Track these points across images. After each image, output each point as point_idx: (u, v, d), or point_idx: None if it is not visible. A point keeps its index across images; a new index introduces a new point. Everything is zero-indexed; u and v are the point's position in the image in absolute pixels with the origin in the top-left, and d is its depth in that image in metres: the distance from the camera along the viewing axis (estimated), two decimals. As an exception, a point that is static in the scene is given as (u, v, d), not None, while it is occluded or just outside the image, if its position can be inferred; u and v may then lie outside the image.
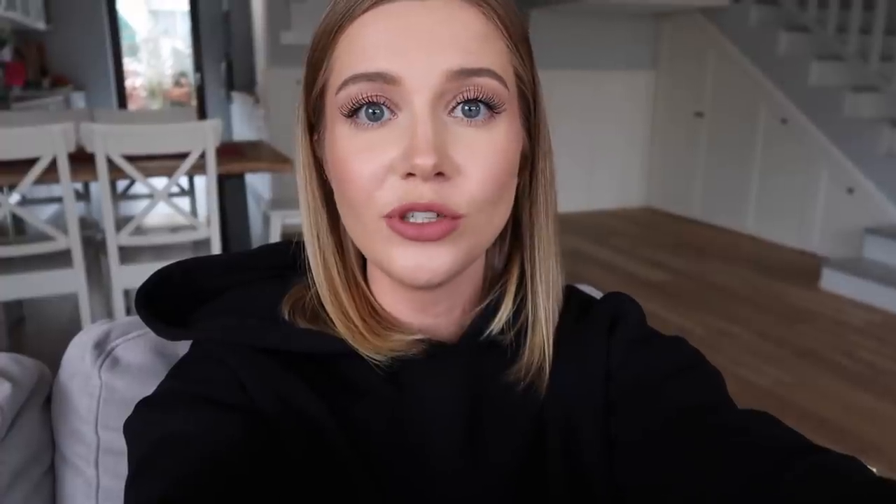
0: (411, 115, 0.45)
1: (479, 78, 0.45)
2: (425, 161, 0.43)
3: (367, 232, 0.47)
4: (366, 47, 0.45)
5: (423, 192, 0.44)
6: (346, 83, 0.46)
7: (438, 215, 0.45)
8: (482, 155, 0.45)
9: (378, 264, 0.49)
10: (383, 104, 0.45)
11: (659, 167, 5.64)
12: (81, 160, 2.27)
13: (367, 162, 0.45)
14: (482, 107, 0.46)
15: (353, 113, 0.46)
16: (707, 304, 3.43)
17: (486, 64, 0.45)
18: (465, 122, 0.46)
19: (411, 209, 0.44)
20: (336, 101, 0.47)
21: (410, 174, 0.44)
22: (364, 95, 0.45)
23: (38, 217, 2.44)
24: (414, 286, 0.47)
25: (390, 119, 0.45)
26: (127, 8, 10.17)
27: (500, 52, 0.47)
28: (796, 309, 3.39)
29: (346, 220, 0.50)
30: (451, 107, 0.45)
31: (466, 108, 0.45)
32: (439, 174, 0.44)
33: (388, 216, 0.45)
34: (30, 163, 2.13)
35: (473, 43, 0.45)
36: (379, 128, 0.45)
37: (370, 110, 0.45)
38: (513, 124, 0.48)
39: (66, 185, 2.19)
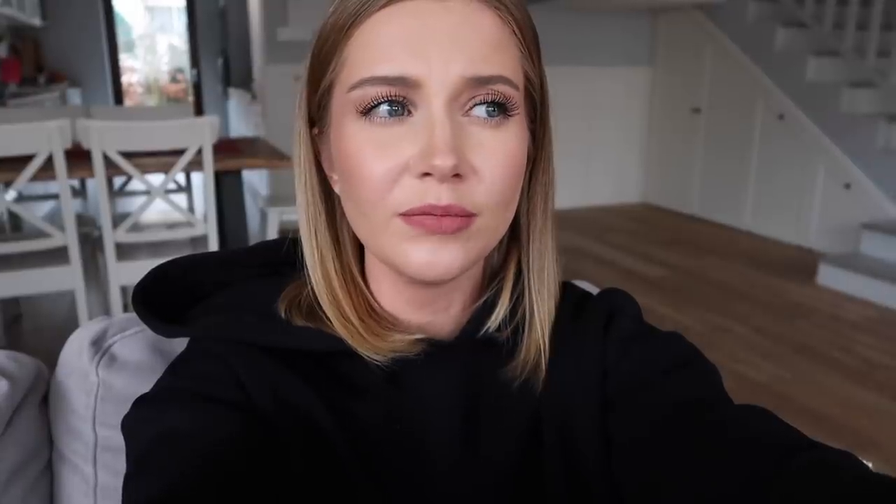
0: (428, 115, 0.44)
1: (493, 85, 0.45)
2: (445, 162, 0.42)
3: (377, 229, 0.47)
4: (382, 47, 0.44)
5: (440, 193, 0.44)
6: (361, 84, 0.45)
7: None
8: (496, 156, 0.45)
9: (388, 260, 0.48)
10: (402, 102, 0.45)
11: (656, 163, 5.64)
12: (78, 157, 2.26)
13: (381, 160, 0.45)
14: (496, 108, 0.46)
15: (369, 110, 0.45)
16: (704, 299, 3.44)
17: (500, 70, 0.45)
18: (479, 122, 0.45)
19: (429, 212, 0.44)
20: (348, 98, 0.46)
21: (427, 174, 0.43)
22: (382, 96, 0.44)
23: (35, 214, 2.43)
24: (425, 281, 0.47)
25: (405, 117, 0.45)
26: (123, 4, 10.15)
27: (513, 57, 0.47)
28: (793, 304, 3.40)
29: (353, 217, 0.49)
30: (467, 108, 0.45)
31: (482, 108, 0.45)
32: (456, 175, 0.44)
33: (405, 214, 0.45)
34: (26, 159, 2.13)
35: (489, 48, 0.45)
36: (393, 125, 0.45)
37: (388, 108, 0.45)
38: (522, 126, 0.48)
39: (62, 182, 2.18)
